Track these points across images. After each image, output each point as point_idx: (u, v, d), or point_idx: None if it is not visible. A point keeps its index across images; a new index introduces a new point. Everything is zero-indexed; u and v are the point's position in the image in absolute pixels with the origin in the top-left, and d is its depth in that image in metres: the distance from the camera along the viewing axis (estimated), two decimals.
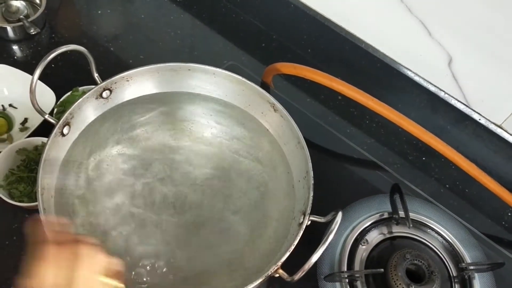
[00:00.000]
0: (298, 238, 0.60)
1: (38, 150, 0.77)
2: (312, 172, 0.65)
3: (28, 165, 0.76)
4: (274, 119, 0.73)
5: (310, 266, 0.56)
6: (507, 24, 0.75)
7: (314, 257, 0.55)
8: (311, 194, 0.63)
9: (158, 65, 0.72)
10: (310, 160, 0.66)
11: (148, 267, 0.67)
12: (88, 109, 0.70)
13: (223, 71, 0.73)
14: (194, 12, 1.05)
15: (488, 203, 0.87)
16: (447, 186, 0.89)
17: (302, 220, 0.62)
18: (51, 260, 0.43)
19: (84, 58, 0.69)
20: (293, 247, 0.59)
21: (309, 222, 0.62)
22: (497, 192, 0.83)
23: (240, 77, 0.73)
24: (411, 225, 0.76)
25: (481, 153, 0.90)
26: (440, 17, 0.81)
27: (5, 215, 0.75)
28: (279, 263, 0.58)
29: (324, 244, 0.55)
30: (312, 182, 0.64)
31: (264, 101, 0.72)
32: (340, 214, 0.58)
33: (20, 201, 0.73)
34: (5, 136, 0.82)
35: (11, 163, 0.76)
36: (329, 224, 0.59)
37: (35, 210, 0.69)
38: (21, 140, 0.77)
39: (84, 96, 0.68)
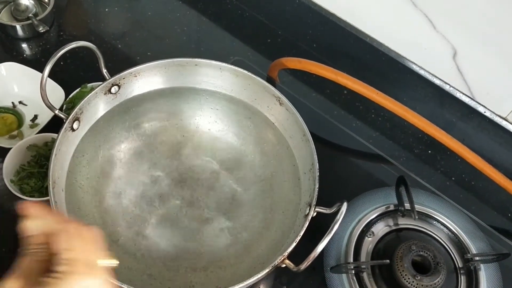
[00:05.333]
0: (304, 229, 0.60)
1: (48, 146, 0.78)
2: (317, 164, 0.66)
3: (39, 160, 0.78)
4: (280, 112, 0.73)
5: (316, 255, 0.56)
6: (511, 16, 0.75)
7: (320, 247, 0.56)
8: (317, 185, 0.64)
9: (166, 60, 0.73)
10: (315, 152, 0.66)
11: (156, 260, 0.68)
12: (97, 104, 0.71)
13: (230, 66, 0.73)
14: (200, 9, 1.05)
15: (494, 195, 0.87)
16: (453, 179, 0.89)
17: (308, 211, 0.63)
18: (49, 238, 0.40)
19: (92, 55, 0.70)
20: (299, 237, 0.60)
21: (315, 213, 0.62)
22: (503, 184, 0.83)
23: (246, 72, 0.73)
24: (416, 217, 0.77)
25: (487, 146, 0.90)
26: (444, 10, 0.81)
27: (16, 210, 0.77)
28: (286, 254, 0.59)
29: (329, 234, 0.56)
30: (318, 174, 0.65)
31: (269, 95, 0.73)
32: (345, 205, 0.58)
33: (31, 196, 0.74)
34: (15, 132, 0.84)
35: (22, 159, 0.77)
36: (334, 215, 0.60)
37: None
38: (31, 136, 0.78)
39: (93, 92, 0.69)
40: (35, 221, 0.41)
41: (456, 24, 0.82)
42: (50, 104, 0.67)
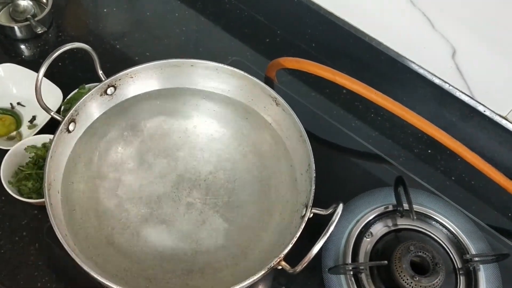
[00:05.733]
0: (300, 230, 0.60)
1: (46, 147, 0.78)
2: (314, 165, 0.65)
3: (37, 162, 0.78)
4: (276, 113, 0.73)
5: (311, 257, 0.56)
6: (510, 14, 0.74)
7: (315, 249, 0.56)
8: (313, 187, 0.64)
9: (161, 61, 0.73)
10: (312, 153, 0.66)
11: (152, 262, 0.68)
12: (93, 106, 0.71)
13: (226, 66, 0.73)
14: (198, 9, 1.05)
15: (494, 195, 0.87)
16: (453, 178, 0.89)
17: (304, 212, 0.63)
18: None
19: (90, 56, 0.70)
20: (295, 239, 0.60)
21: (311, 214, 0.62)
22: (503, 184, 0.82)
23: (242, 72, 0.73)
24: (415, 217, 0.76)
25: (487, 145, 0.90)
26: (443, 9, 0.81)
27: (15, 211, 0.77)
28: (282, 255, 0.59)
29: (324, 235, 0.56)
30: (314, 175, 0.64)
31: (266, 96, 0.73)
32: (341, 206, 0.58)
33: (29, 198, 0.75)
34: (14, 133, 0.84)
35: (20, 160, 0.78)
36: (331, 216, 0.59)
37: (43, 207, 0.70)
38: (29, 137, 0.78)
39: (89, 93, 0.69)
40: None
41: (455, 22, 0.81)
42: (45, 105, 0.67)
